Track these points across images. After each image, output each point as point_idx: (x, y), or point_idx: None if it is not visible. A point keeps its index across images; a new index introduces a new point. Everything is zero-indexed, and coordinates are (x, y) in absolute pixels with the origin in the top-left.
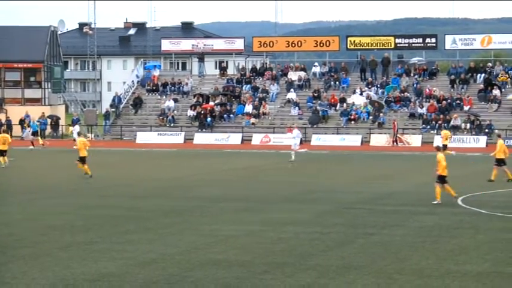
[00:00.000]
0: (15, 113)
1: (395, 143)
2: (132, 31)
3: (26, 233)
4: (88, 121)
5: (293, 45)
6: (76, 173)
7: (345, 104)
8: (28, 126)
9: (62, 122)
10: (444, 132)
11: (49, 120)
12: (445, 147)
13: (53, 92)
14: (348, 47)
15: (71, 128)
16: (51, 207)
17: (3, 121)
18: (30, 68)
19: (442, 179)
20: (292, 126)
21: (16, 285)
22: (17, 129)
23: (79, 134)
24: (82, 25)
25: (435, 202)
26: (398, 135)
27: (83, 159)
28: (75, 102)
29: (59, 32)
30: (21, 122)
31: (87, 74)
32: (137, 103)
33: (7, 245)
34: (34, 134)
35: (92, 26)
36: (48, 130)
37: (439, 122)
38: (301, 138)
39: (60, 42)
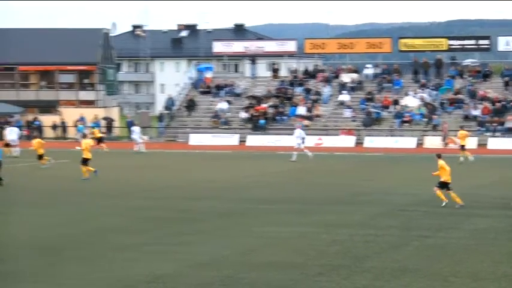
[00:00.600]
0: (70, 115)
1: (446, 145)
2: (184, 33)
3: (82, 234)
4: (142, 123)
5: (345, 47)
6: (129, 174)
7: (398, 106)
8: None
9: (116, 124)
10: (461, 132)
11: (103, 122)
12: (462, 147)
13: (106, 94)
14: (401, 48)
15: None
16: (105, 209)
17: (58, 123)
18: (84, 71)
19: (444, 185)
20: (296, 126)
21: (71, 286)
22: (71, 131)
23: (84, 135)
24: (135, 27)
25: (443, 204)
26: (449, 137)
27: (85, 161)
28: (129, 104)
29: (111, 35)
30: (76, 124)
31: (140, 76)
32: (190, 105)
33: (63, 246)
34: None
35: (145, 28)
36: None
37: (494, 124)
38: (303, 138)
39: (113, 44)
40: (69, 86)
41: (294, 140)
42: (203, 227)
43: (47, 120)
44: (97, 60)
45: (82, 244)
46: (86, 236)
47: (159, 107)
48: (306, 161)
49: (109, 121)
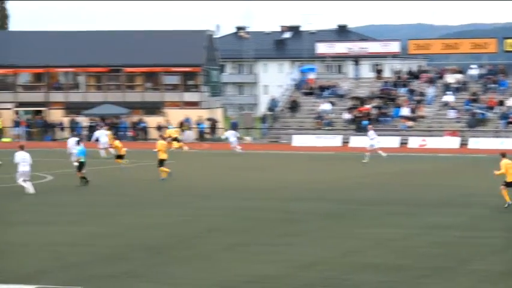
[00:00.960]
0: (174, 116)
1: None
2: (287, 34)
3: (186, 235)
4: (245, 124)
5: (449, 47)
6: (233, 175)
7: (503, 107)
8: (188, 130)
9: (219, 125)
10: None
11: (207, 123)
12: None
13: (210, 96)
14: (506, 49)
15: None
16: (210, 210)
17: (162, 124)
18: (189, 72)
19: (510, 185)
20: (368, 127)
21: (176, 286)
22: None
23: (163, 137)
24: (239, 29)
25: (506, 205)
26: None
27: (161, 162)
28: (233, 106)
29: (215, 36)
30: (181, 125)
31: (243, 78)
32: (293, 106)
33: (168, 246)
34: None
35: (248, 30)
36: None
37: None
38: (376, 140)
39: (217, 46)
40: (174, 88)
41: (367, 141)
42: (306, 228)
43: (152, 121)
44: (201, 61)
45: (187, 244)
46: (191, 237)
47: (262, 108)
48: (410, 162)
49: (213, 122)
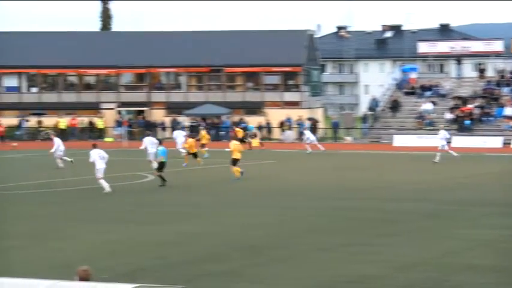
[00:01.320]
0: (275, 116)
1: None
2: (389, 34)
3: (284, 234)
4: (345, 124)
5: None
6: (332, 175)
7: None
8: (289, 129)
9: (320, 125)
10: None
11: (308, 123)
12: None
13: (311, 96)
14: None
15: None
16: (309, 209)
17: (263, 124)
18: (289, 72)
19: None
20: (439, 127)
21: (275, 286)
22: (276, 132)
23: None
24: (339, 28)
25: None
26: None
27: (235, 162)
28: (333, 106)
29: (316, 36)
30: (281, 125)
31: (344, 77)
32: (394, 106)
33: (267, 246)
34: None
35: (349, 29)
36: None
37: None
38: (448, 139)
39: (318, 45)
40: (274, 87)
41: (439, 141)
42: (404, 228)
43: (252, 121)
44: (302, 61)
45: (285, 244)
46: (290, 237)
47: (363, 108)
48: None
49: (313, 122)
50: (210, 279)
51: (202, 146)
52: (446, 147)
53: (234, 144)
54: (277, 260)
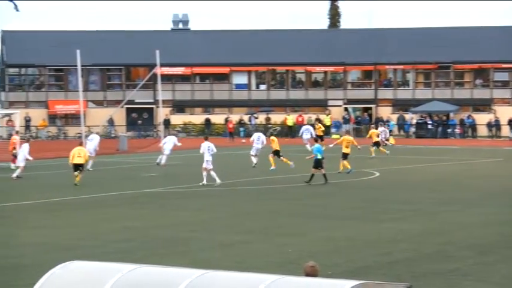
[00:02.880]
0: (504, 113)
1: None
2: None
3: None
4: None
5: None
6: None
7: None
8: None
9: None
10: None
11: None
12: None
13: None
14: None
15: None
16: None
17: (492, 121)
18: None
19: None
20: None
21: (502, 286)
22: (505, 130)
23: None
24: None
25: None
26: None
27: (345, 156)
28: None
29: None
30: (510, 122)
31: None
32: None
33: (494, 245)
34: None
35: None
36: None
37: None
38: None
39: None
40: (504, 84)
41: None
42: None
43: (480, 118)
44: None
45: None
46: None
47: None
48: None
49: None
50: (436, 277)
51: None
52: None
53: (345, 139)
54: (507, 259)
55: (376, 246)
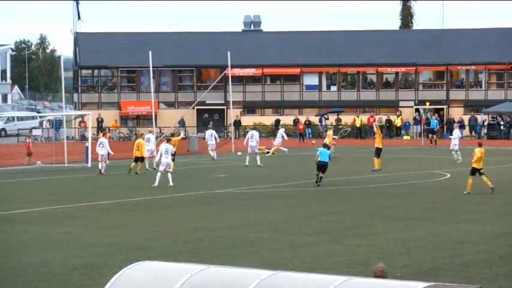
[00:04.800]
0: None
1: None
2: None
3: None
4: None
5: None
6: None
7: None
8: None
9: None
10: None
11: None
12: None
13: None
14: None
15: None
16: None
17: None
18: None
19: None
20: None
21: None
22: None
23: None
24: None
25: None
26: None
27: (378, 152)
28: None
29: None
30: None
31: None
32: None
33: None
34: None
35: None
36: None
37: None
38: None
39: None
40: None
41: None
42: None
43: None
44: None
45: None
46: None
47: None
48: None
49: None
50: (508, 280)
51: None
52: None
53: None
54: None
55: (446, 247)
